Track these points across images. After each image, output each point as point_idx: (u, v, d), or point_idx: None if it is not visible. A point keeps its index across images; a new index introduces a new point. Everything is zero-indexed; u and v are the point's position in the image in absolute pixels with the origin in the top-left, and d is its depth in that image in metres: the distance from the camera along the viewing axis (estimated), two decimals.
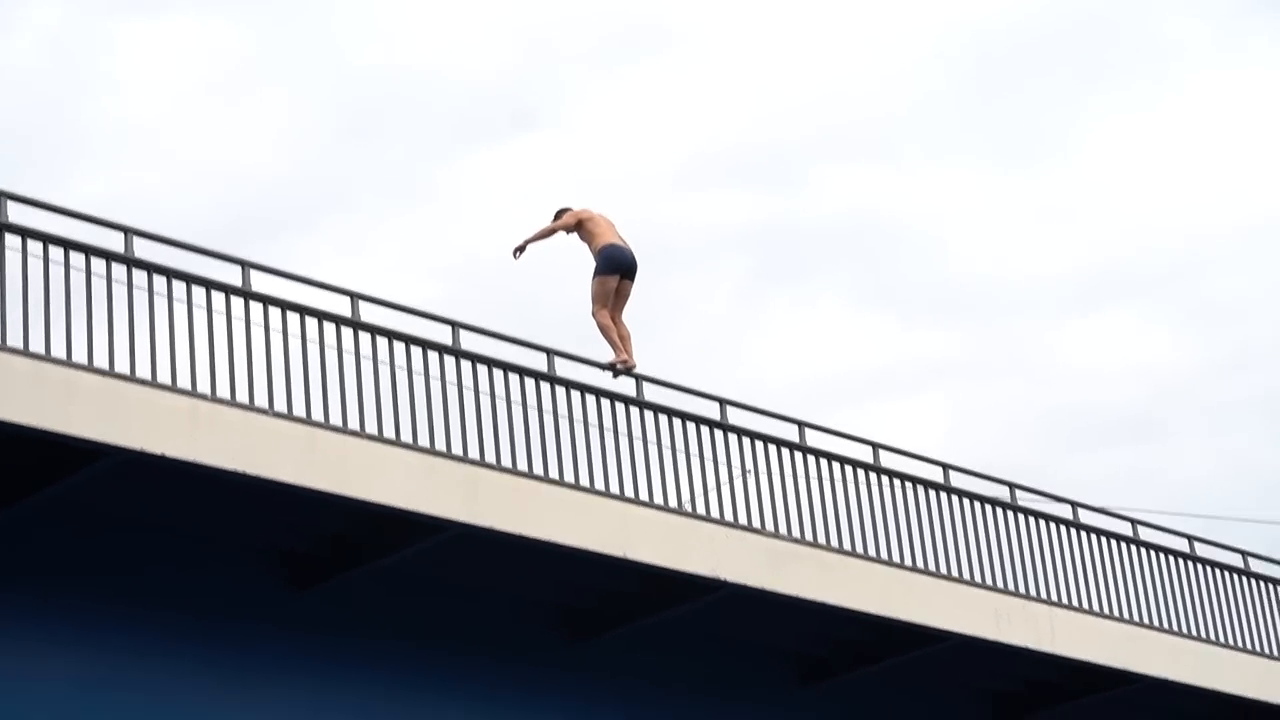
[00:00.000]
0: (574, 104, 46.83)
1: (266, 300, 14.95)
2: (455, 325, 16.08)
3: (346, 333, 15.34)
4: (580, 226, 18.20)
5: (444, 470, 15.19)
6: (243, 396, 14.43)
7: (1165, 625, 20.36)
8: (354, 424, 14.96)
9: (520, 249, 18.08)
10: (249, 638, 15.17)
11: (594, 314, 17.83)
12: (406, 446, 15.11)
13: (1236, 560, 21.72)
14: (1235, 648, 20.94)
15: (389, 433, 15.14)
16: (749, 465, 17.58)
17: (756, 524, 17.14)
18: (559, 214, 18.31)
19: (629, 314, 18.07)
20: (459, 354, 15.96)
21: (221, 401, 14.22)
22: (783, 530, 17.33)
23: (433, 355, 15.80)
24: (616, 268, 17.90)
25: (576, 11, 45.82)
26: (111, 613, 14.51)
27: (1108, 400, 47.94)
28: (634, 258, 18.04)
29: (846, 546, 17.76)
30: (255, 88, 44.50)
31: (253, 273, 14.96)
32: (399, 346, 15.61)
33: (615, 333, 17.72)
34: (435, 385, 15.69)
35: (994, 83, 47.92)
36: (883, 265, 47.37)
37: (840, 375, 46.14)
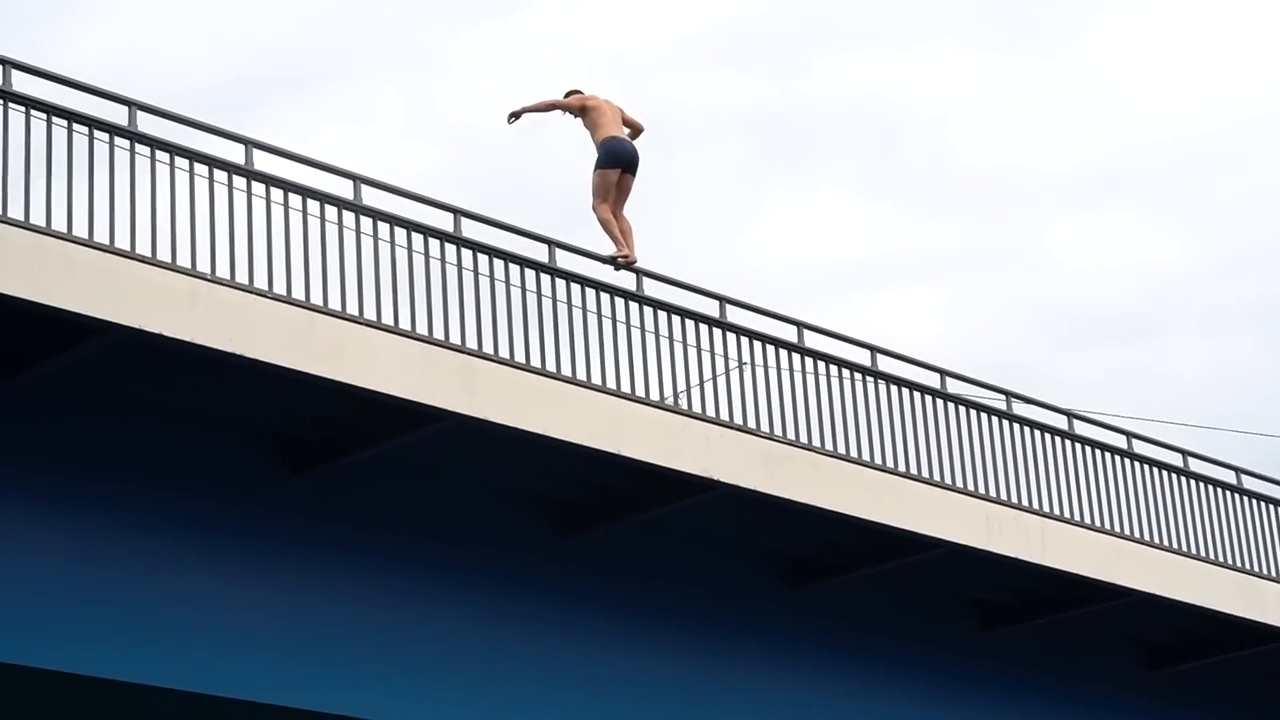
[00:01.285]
0: None
1: (269, 180, 15.02)
2: (457, 212, 16.16)
3: (348, 215, 15.41)
4: (584, 112, 18.23)
5: (441, 359, 15.30)
6: (242, 277, 14.53)
7: (1156, 540, 20.55)
8: (353, 309, 15.07)
9: (515, 115, 18.13)
10: (241, 519, 15.32)
11: (594, 208, 17.90)
12: (404, 334, 15.22)
13: (1230, 477, 21.89)
14: (1223, 564, 21.15)
15: (387, 319, 15.24)
16: (744, 361, 17.68)
17: (751, 424, 17.27)
18: (568, 94, 18.35)
19: (630, 207, 18.13)
20: (460, 241, 16.04)
21: (220, 282, 14.30)
22: (777, 431, 17.47)
23: (433, 241, 15.88)
24: (617, 161, 17.96)
25: None
26: (103, 490, 14.63)
27: (1103, 298, 48.09)
28: (635, 151, 18.09)
29: (840, 449, 17.92)
30: None
31: (256, 151, 15.02)
32: (400, 231, 15.69)
33: (616, 227, 17.80)
34: (435, 272, 15.78)
35: None
36: (884, 153, 47.36)
37: (839, 263, 46.24)
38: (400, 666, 15.95)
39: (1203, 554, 20.97)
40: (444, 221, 16.08)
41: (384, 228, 15.59)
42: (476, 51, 44.82)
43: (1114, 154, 48.11)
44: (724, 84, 45.62)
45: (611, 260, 17.46)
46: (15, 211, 13.47)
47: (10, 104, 13.74)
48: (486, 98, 43.31)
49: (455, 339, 15.60)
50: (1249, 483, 22.05)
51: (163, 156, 14.48)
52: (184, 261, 14.23)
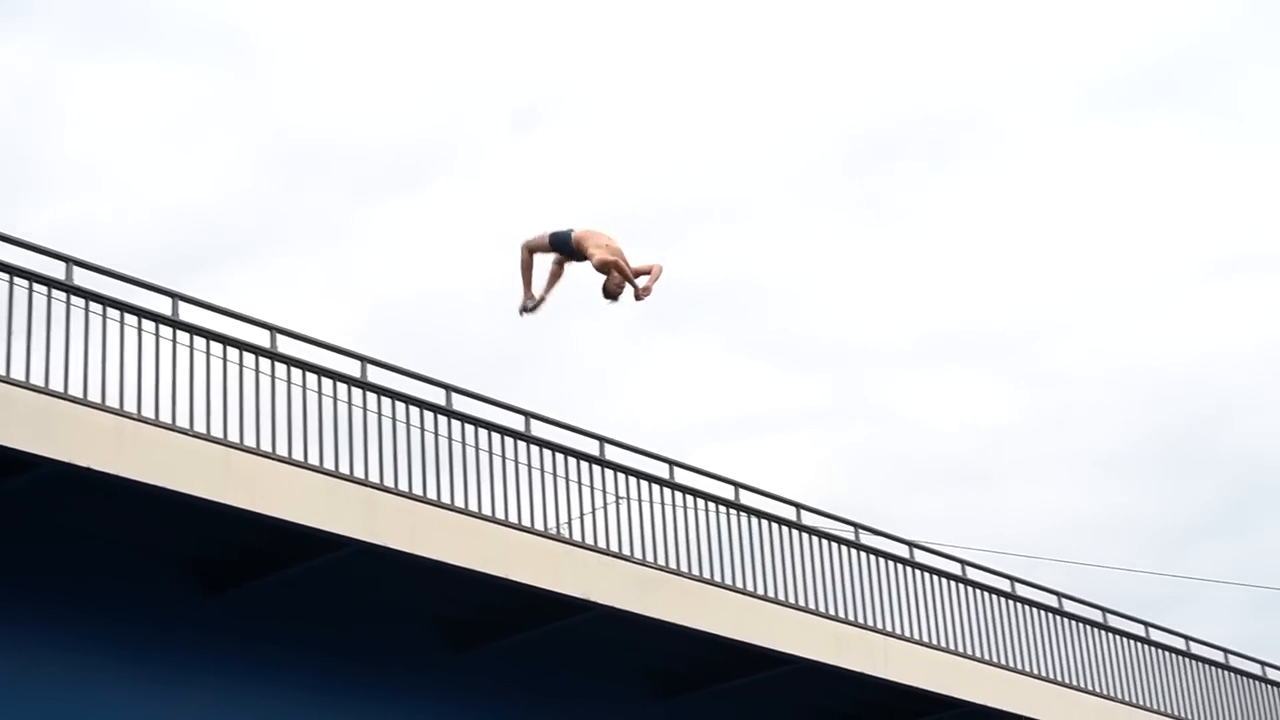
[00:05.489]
0: (478, 164, 46.77)
1: (192, 329, 14.74)
2: (363, 359, 15.93)
3: (264, 361, 15.14)
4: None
5: (346, 491, 15.02)
6: (165, 417, 14.20)
7: (987, 656, 20.38)
8: (266, 445, 14.77)
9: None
10: (160, 638, 14.90)
11: (522, 245, 14.15)
12: (312, 468, 14.93)
13: (1052, 600, 21.79)
14: (1047, 679, 20.98)
15: (297, 455, 14.94)
16: (621, 495, 17.49)
17: (626, 552, 17.05)
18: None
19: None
20: (365, 386, 15.79)
21: (145, 420, 13.99)
22: (649, 558, 17.25)
23: (341, 386, 15.62)
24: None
25: (483, 83, 45.81)
26: (33, 612, 14.19)
27: (944, 448, 48.31)
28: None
29: (706, 575, 17.70)
30: (198, 131, 44.09)
31: (180, 303, 14.75)
32: (310, 376, 15.42)
33: (531, 273, 14.12)
34: (342, 413, 15.52)
35: (856, 164, 48.29)
36: (751, 320, 47.53)
37: (711, 418, 46.21)
38: None
39: (1029, 669, 20.80)
40: (351, 368, 15.84)
41: (296, 373, 15.31)
42: (385, 226, 44.80)
43: (953, 322, 48.55)
44: None
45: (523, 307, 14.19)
46: None
47: None
48: (395, 267, 43.36)
49: (359, 473, 15.31)
50: (1070, 606, 21.96)
51: (95, 307, 14.18)
52: (112, 402, 13.91)
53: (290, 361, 15.30)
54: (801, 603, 18.44)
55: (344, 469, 15.19)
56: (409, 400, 16.05)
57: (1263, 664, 24.39)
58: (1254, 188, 49.20)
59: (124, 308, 14.35)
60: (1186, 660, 23.19)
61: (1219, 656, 23.75)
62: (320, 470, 14.96)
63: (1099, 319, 49.36)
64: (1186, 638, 23.37)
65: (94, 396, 13.80)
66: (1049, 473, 49.32)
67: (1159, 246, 49.59)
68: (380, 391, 15.86)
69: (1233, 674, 23.74)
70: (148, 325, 14.44)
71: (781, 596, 18.29)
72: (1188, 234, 49.51)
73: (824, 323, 47.37)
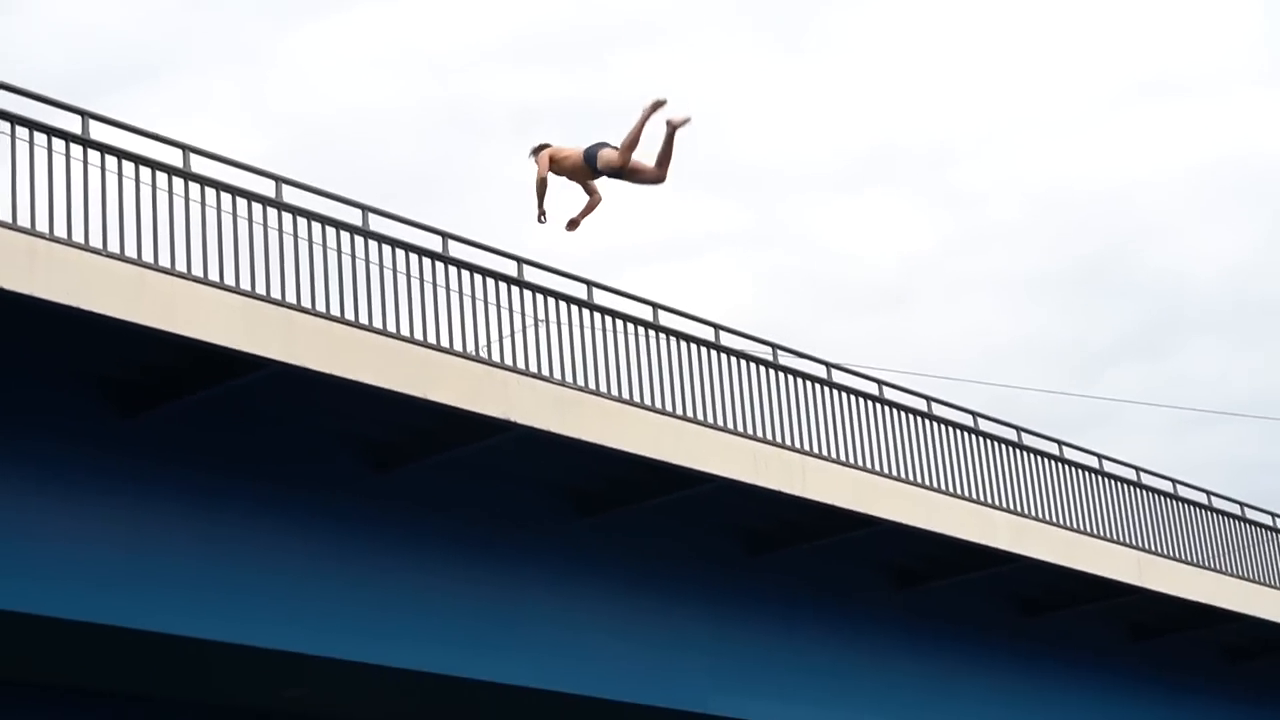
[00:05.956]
0: None
1: (104, 148, 14.51)
2: (278, 179, 15.74)
3: (178, 182, 14.95)
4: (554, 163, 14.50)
5: (262, 312, 14.89)
6: (78, 237, 14.02)
7: (903, 475, 20.55)
8: (181, 266, 14.63)
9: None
10: (76, 459, 14.79)
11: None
12: (229, 289, 14.80)
13: (968, 420, 21.98)
14: (961, 496, 21.19)
15: (213, 275, 14.81)
16: (540, 317, 17.46)
17: (545, 372, 17.04)
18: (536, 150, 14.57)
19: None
20: (281, 206, 15.62)
21: (58, 240, 13.80)
22: (569, 379, 17.26)
23: (256, 206, 15.45)
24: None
25: None
26: None
27: (864, 272, 48.52)
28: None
29: (625, 395, 17.73)
30: None
31: (92, 122, 14.51)
32: (225, 197, 15.25)
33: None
34: (258, 234, 15.37)
35: None
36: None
37: (632, 241, 46.24)
38: (221, 590, 15.52)
39: (943, 487, 21.00)
40: (266, 188, 15.66)
41: (210, 193, 15.13)
42: (302, 48, 44.20)
43: (874, 145, 48.57)
44: (529, 80, 45.39)
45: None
46: None
47: None
48: (311, 90, 42.85)
49: (276, 294, 15.19)
50: (985, 426, 22.15)
51: (3, 126, 13.93)
52: (24, 222, 13.72)
53: (204, 181, 15.11)
54: (720, 422, 18.51)
55: (260, 289, 15.06)
56: (325, 220, 15.90)
57: (1174, 481, 24.75)
58: (1176, 10, 49.21)
59: (33, 126, 14.10)
60: (1100, 478, 23.50)
61: (1131, 475, 24.08)
62: (236, 290, 14.83)
63: (1020, 142, 49.45)
64: (1100, 456, 23.66)
65: (4, 216, 13.59)
66: (968, 296, 49.71)
67: (1081, 69, 49.61)
68: (296, 211, 15.69)
69: (1145, 491, 24.09)
70: (58, 144, 14.19)
71: (700, 416, 18.36)
72: (1110, 56, 49.55)
73: (744, 147, 47.29)
